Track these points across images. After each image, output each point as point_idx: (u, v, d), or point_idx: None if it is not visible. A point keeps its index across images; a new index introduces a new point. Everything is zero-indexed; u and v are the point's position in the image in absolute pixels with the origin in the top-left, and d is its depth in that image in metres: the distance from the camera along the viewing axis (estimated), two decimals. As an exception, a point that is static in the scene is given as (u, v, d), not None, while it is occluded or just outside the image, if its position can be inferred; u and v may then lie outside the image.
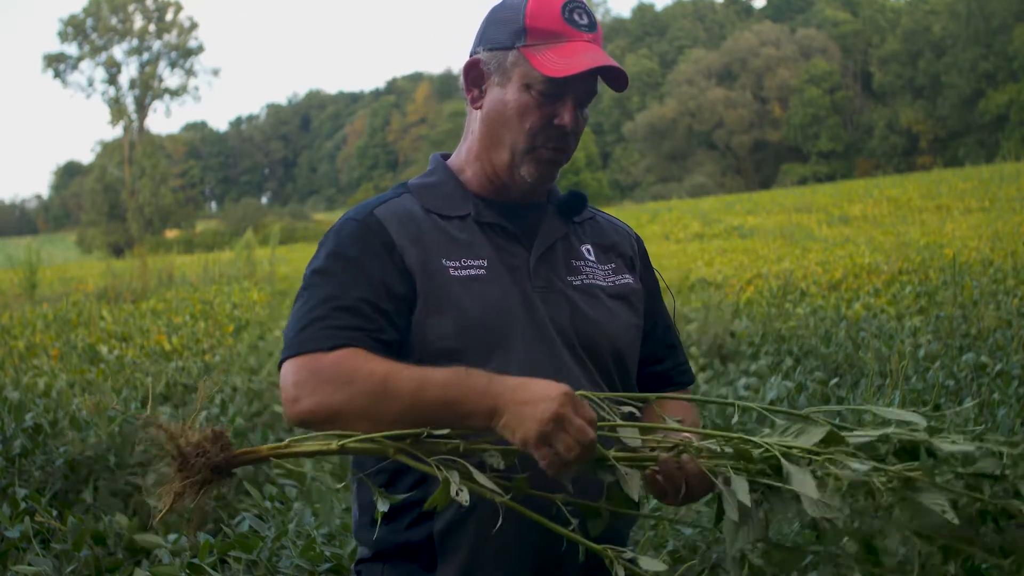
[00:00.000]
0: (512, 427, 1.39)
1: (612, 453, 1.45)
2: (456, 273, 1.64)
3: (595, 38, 1.66)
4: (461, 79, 1.76)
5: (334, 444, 1.45)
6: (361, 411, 1.45)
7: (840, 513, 1.36)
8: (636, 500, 1.43)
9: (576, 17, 1.65)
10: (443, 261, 1.64)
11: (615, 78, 1.66)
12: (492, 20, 1.71)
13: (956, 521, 1.36)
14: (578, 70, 1.59)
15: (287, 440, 1.47)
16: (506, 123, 1.67)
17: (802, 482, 1.36)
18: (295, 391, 1.50)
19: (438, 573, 1.60)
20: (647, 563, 1.41)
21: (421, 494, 1.51)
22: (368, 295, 1.58)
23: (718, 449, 1.43)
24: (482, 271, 1.66)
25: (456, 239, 1.68)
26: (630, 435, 1.46)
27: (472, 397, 1.42)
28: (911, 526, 1.39)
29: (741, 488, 1.38)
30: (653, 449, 1.47)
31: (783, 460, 1.40)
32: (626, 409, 1.48)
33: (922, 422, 1.46)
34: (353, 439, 1.44)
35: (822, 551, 1.44)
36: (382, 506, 1.45)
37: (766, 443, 1.44)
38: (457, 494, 1.38)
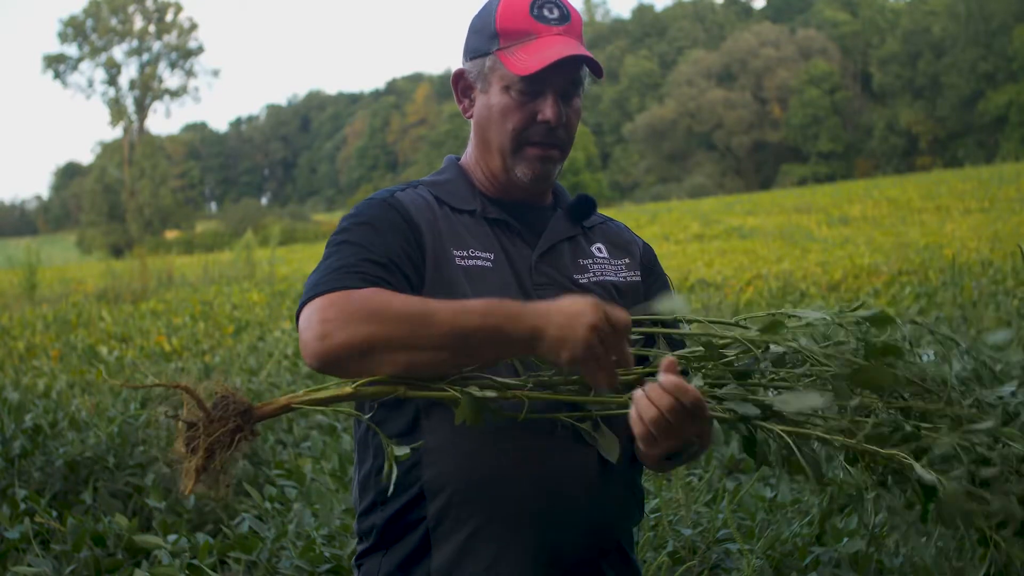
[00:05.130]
0: (557, 349, 1.43)
1: (592, 397, 1.53)
2: (462, 263, 1.67)
3: (567, 30, 1.68)
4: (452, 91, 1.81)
5: (348, 388, 1.45)
6: (400, 340, 1.42)
7: (822, 402, 1.43)
8: (615, 459, 1.56)
9: (546, 12, 1.68)
10: (451, 250, 1.67)
11: (593, 64, 1.68)
12: (471, 29, 1.76)
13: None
14: (544, 64, 1.62)
15: (302, 390, 1.47)
16: (492, 127, 1.71)
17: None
18: (322, 327, 1.44)
19: (433, 557, 1.62)
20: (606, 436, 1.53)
21: (415, 458, 1.57)
22: (393, 257, 1.59)
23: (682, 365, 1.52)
24: (488, 264, 1.68)
25: (465, 230, 1.71)
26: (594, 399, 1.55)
27: (511, 323, 1.43)
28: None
29: (696, 379, 1.47)
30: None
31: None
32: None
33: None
34: (363, 382, 1.44)
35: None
36: (399, 451, 1.46)
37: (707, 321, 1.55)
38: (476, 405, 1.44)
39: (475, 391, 1.45)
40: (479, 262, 1.67)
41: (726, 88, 60.88)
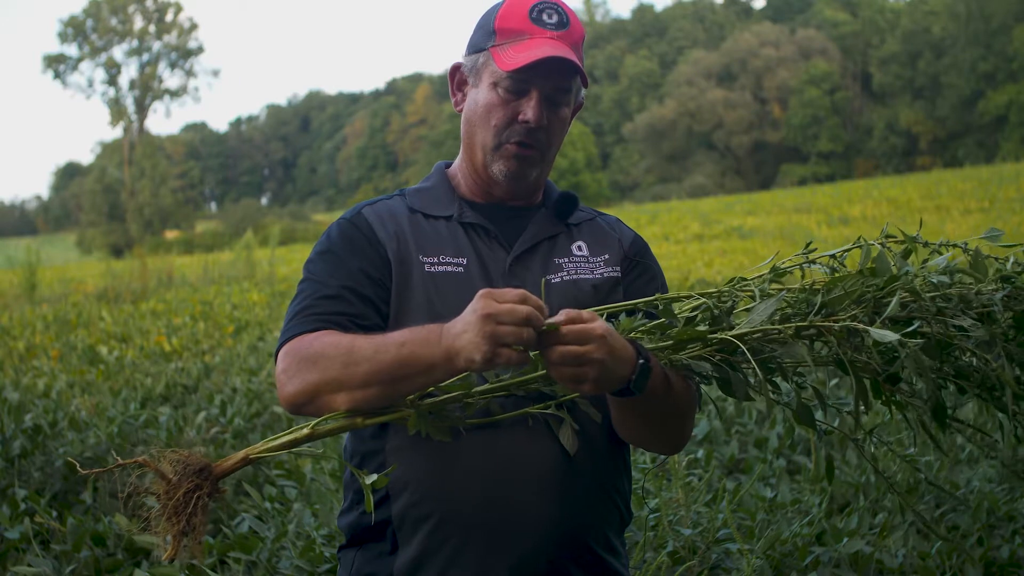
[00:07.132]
0: (466, 356, 1.40)
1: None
2: (431, 269, 1.69)
3: (563, 36, 1.69)
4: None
5: (305, 430, 1.50)
6: (334, 382, 1.50)
7: (775, 307, 1.50)
8: (572, 450, 1.60)
9: (544, 17, 1.69)
10: (420, 257, 1.70)
11: (578, 71, 1.69)
12: (475, 26, 1.78)
13: None
14: (527, 61, 1.63)
15: (261, 442, 1.52)
16: (478, 122, 1.73)
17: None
18: (282, 376, 1.56)
19: (399, 555, 1.64)
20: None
21: (385, 480, 1.58)
22: (350, 283, 1.65)
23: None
24: (460, 269, 1.70)
25: (437, 237, 1.73)
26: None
27: (425, 349, 1.45)
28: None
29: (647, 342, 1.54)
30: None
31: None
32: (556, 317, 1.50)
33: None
34: (319, 420, 1.51)
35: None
36: (369, 479, 1.50)
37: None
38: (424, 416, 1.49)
39: (425, 404, 1.50)
40: (449, 268, 1.69)
41: (726, 88, 60.82)
